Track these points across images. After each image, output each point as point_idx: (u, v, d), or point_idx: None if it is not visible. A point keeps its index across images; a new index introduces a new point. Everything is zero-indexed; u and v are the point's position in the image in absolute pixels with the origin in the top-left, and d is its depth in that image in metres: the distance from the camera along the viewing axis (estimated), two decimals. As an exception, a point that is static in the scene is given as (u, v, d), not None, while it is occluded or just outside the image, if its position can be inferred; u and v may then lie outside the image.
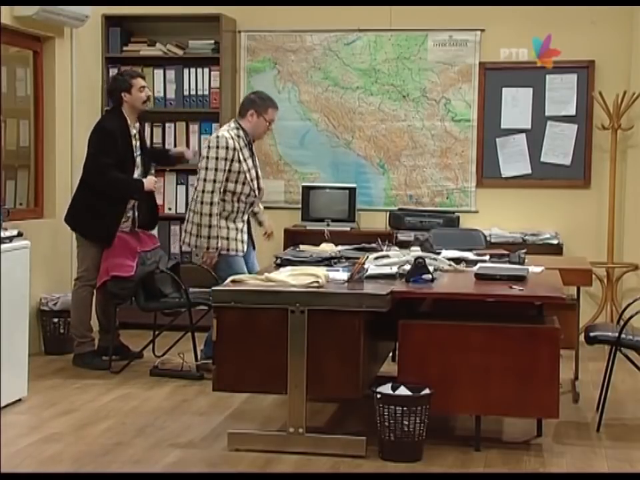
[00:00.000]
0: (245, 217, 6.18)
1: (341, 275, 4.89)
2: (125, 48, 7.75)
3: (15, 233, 5.47)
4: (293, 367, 4.55)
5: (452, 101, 7.60)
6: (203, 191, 5.94)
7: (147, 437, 4.91)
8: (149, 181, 6.41)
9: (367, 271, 4.90)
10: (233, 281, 4.82)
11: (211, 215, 5.93)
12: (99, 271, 6.32)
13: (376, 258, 5.19)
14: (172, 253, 7.62)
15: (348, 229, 7.51)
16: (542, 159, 7.52)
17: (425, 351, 4.66)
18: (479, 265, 5.31)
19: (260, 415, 5.30)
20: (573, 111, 7.46)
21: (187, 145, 7.69)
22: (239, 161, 5.99)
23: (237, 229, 6.08)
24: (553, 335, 4.63)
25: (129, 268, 6.22)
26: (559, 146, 7.49)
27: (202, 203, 5.95)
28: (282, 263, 5.31)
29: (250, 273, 6.01)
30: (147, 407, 5.48)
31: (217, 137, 6.01)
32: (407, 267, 4.95)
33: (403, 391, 4.56)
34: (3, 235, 5.33)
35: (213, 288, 4.78)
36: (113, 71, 7.41)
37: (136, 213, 6.47)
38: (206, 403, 5.55)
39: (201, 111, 7.68)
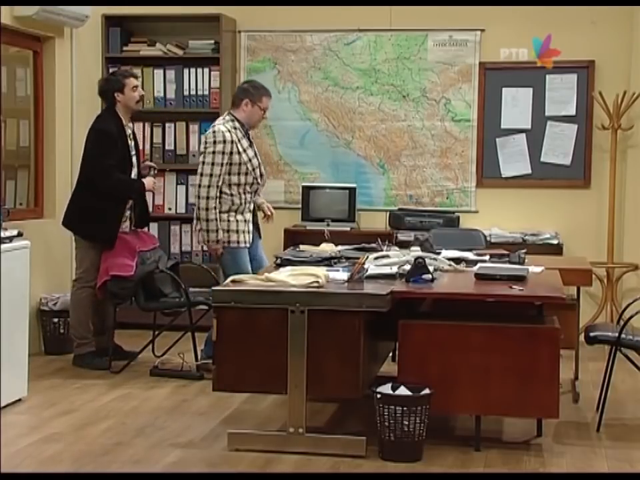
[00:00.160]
0: (251, 207, 6.19)
1: (341, 274, 4.89)
2: (124, 48, 7.75)
3: (15, 233, 5.47)
4: (293, 367, 4.55)
5: (452, 100, 7.60)
6: (201, 186, 5.97)
7: (147, 437, 4.91)
8: (149, 182, 6.44)
9: (366, 270, 4.90)
10: (233, 281, 4.83)
11: (208, 209, 5.94)
12: (98, 272, 6.32)
13: (376, 258, 5.19)
14: (172, 253, 7.62)
15: (348, 228, 7.51)
16: (542, 159, 7.52)
17: (425, 351, 4.66)
18: (479, 264, 5.30)
19: (260, 415, 5.30)
20: (572, 111, 7.46)
21: (187, 145, 7.69)
22: (239, 153, 6.01)
23: (245, 220, 6.10)
24: (553, 334, 4.63)
25: (128, 268, 6.22)
26: (559, 146, 7.49)
27: (200, 197, 5.97)
28: (282, 263, 5.31)
29: (256, 262, 6.11)
30: (147, 407, 5.48)
31: (214, 131, 6.02)
32: (407, 267, 4.95)
33: (402, 390, 4.56)
34: (2, 234, 5.33)
35: (213, 288, 4.78)
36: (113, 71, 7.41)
37: (132, 212, 6.48)
38: (206, 403, 5.55)
39: (201, 111, 7.68)
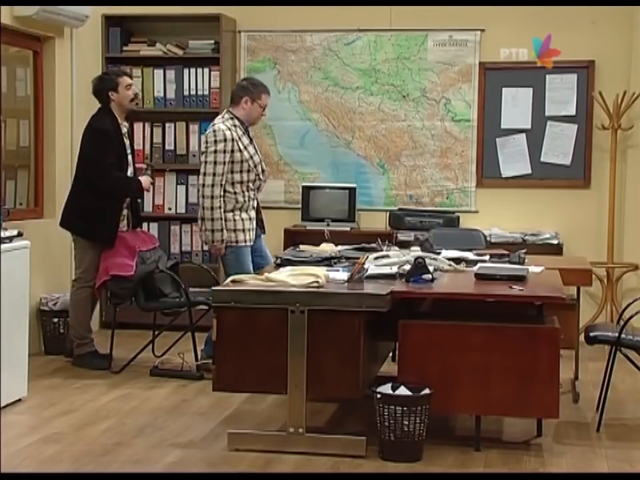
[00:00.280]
0: (255, 203, 6.19)
1: (341, 274, 4.89)
2: (124, 48, 7.75)
3: (15, 233, 5.47)
4: (293, 367, 4.55)
5: (452, 100, 7.60)
6: (204, 185, 5.96)
7: (147, 437, 4.91)
8: (145, 181, 6.43)
9: (366, 270, 4.90)
10: (233, 281, 4.83)
11: (212, 209, 5.94)
12: (98, 272, 6.32)
13: (376, 258, 5.19)
14: (172, 253, 7.62)
15: (348, 228, 7.51)
16: (542, 159, 7.52)
17: (425, 351, 4.66)
18: (479, 264, 5.30)
19: (260, 415, 5.30)
20: (573, 111, 7.46)
21: (187, 145, 7.70)
22: (240, 150, 6.01)
23: (250, 219, 6.11)
24: (553, 334, 4.63)
25: (128, 267, 6.21)
26: (559, 146, 7.49)
27: (204, 197, 5.96)
28: (282, 263, 5.31)
29: (262, 258, 6.13)
30: (147, 407, 5.48)
31: (214, 130, 6.01)
32: (407, 267, 4.95)
33: (402, 390, 4.56)
34: (2, 234, 5.33)
35: (213, 288, 4.78)
36: (113, 71, 7.42)
37: (129, 212, 6.49)
38: (206, 403, 5.55)
39: (200, 111, 7.68)
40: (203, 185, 5.96)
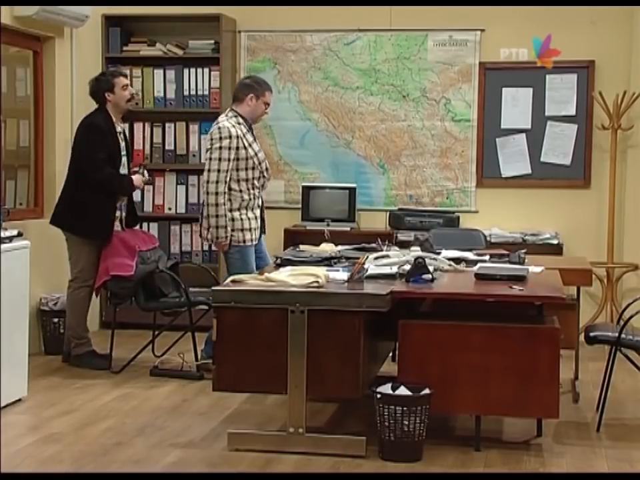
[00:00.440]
0: (259, 202, 6.20)
1: (341, 274, 4.89)
2: (125, 48, 7.75)
3: (15, 233, 5.47)
4: (293, 367, 4.55)
5: (452, 101, 7.60)
6: (209, 182, 5.96)
7: (147, 436, 4.91)
8: (137, 179, 6.42)
9: (366, 270, 4.90)
10: (233, 281, 4.83)
11: (217, 205, 5.94)
12: (96, 271, 6.30)
13: (376, 258, 5.18)
14: (172, 253, 7.62)
15: (348, 229, 7.51)
16: (542, 159, 7.52)
17: (425, 351, 4.66)
18: (479, 265, 5.30)
19: (260, 415, 5.30)
20: (573, 111, 7.46)
21: (187, 145, 7.70)
22: (245, 147, 6.01)
23: (255, 217, 6.12)
24: (553, 334, 4.63)
25: (128, 267, 6.21)
26: (559, 146, 7.49)
27: (209, 193, 5.96)
28: (282, 263, 5.31)
29: (260, 259, 6.14)
30: (147, 407, 5.48)
31: (219, 127, 6.02)
32: (407, 267, 4.95)
33: (402, 390, 4.56)
34: (2, 234, 5.33)
35: (213, 288, 4.78)
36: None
37: (123, 213, 6.47)
38: (206, 403, 5.55)
39: (200, 111, 7.68)
40: (208, 182, 5.96)
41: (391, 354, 5.89)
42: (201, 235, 6.18)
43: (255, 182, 6.10)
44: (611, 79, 7.36)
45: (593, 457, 4.69)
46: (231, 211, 5.99)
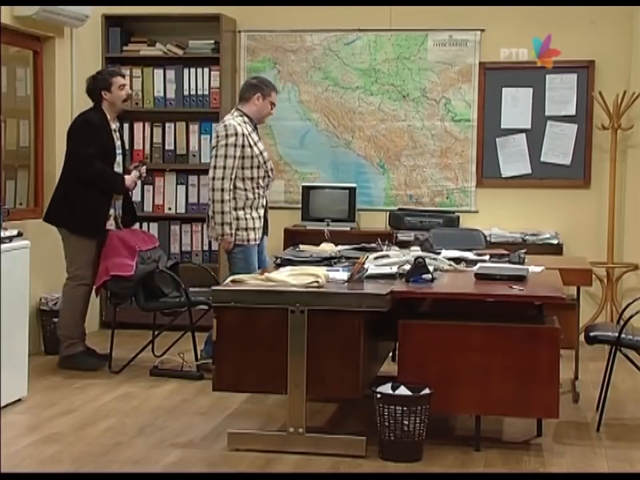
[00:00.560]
0: (264, 202, 6.20)
1: (341, 274, 4.89)
2: (124, 48, 7.76)
3: (14, 233, 5.47)
4: (293, 367, 4.55)
5: (452, 100, 7.60)
6: (214, 178, 5.97)
7: (147, 436, 4.91)
8: (130, 178, 6.40)
9: (366, 270, 4.90)
10: (232, 281, 4.83)
11: (222, 201, 5.94)
12: (94, 269, 6.28)
13: (376, 258, 5.18)
14: (172, 253, 7.62)
15: (348, 228, 7.51)
16: (542, 159, 7.52)
17: (425, 351, 4.66)
18: (479, 264, 5.30)
19: (260, 415, 5.30)
20: (573, 111, 7.46)
21: (187, 145, 7.70)
22: (250, 146, 6.03)
23: (259, 217, 6.13)
24: (553, 334, 4.63)
25: (128, 267, 6.20)
26: (559, 146, 7.49)
27: (214, 190, 5.97)
28: (282, 263, 5.31)
29: (259, 261, 6.14)
30: (147, 407, 5.48)
31: (225, 125, 6.04)
32: (407, 267, 4.95)
33: (402, 390, 4.56)
34: (2, 234, 5.33)
35: (213, 288, 4.78)
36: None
37: (118, 212, 6.46)
38: (206, 403, 5.55)
39: (200, 111, 7.68)
40: (213, 178, 5.97)
41: (390, 354, 5.89)
42: (209, 235, 6.20)
43: (260, 181, 6.11)
44: (611, 79, 7.36)
45: (593, 457, 4.69)
46: (235, 209, 6.00)
